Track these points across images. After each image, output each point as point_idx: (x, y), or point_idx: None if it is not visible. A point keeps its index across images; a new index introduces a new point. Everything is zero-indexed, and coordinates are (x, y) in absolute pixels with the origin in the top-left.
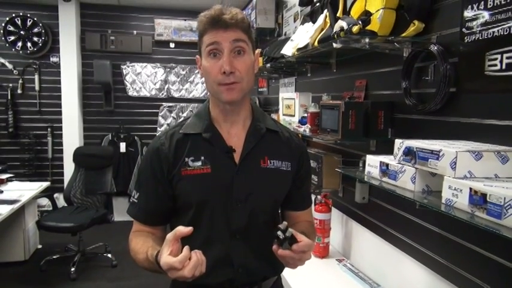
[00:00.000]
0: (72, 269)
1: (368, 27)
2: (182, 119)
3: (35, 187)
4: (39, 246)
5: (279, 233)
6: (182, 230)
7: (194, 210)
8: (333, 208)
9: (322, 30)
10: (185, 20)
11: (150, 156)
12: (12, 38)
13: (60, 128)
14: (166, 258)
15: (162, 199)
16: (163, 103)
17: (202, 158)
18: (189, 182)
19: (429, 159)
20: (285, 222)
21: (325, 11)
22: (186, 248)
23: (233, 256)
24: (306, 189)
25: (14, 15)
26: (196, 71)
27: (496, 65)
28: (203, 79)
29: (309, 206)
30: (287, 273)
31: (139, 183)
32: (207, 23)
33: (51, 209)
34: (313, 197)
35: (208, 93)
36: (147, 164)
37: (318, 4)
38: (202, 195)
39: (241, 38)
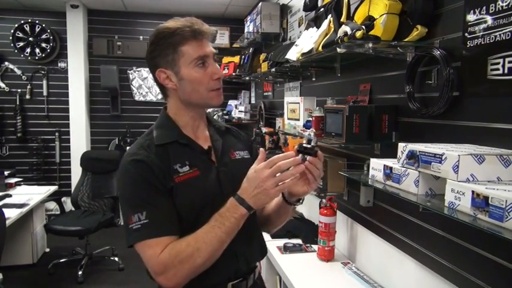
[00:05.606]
0: (80, 273)
1: (371, 32)
2: (145, 133)
3: (43, 191)
4: (47, 250)
5: (307, 144)
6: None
7: (196, 213)
8: (338, 211)
9: (326, 35)
10: None
11: (139, 172)
12: (21, 44)
13: (68, 133)
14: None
15: (172, 207)
16: None
17: (187, 162)
18: (185, 187)
19: (432, 163)
20: (307, 135)
21: (329, 16)
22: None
23: (235, 247)
24: None
25: (22, 21)
26: None
27: (498, 69)
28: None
29: None
30: (292, 276)
31: (140, 204)
32: (189, 35)
33: (58, 212)
34: (318, 200)
35: (168, 102)
36: (140, 180)
37: (322, 9)
38: (201, 196)
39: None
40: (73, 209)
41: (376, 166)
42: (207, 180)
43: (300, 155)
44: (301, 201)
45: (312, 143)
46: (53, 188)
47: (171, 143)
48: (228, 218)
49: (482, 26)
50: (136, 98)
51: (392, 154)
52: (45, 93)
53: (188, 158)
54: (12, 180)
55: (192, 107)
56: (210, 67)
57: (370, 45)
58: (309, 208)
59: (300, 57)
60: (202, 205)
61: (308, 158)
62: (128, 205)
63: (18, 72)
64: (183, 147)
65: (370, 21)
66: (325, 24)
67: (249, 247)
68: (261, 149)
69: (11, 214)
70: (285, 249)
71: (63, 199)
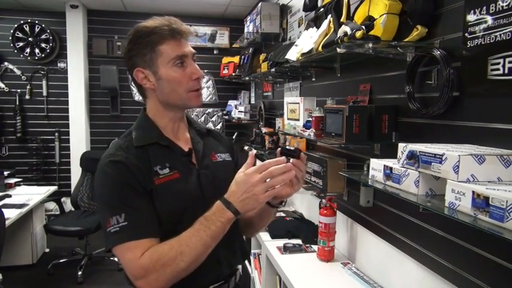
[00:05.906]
0: (79, 273)
1: (371, 32)
2: (124, 135)
3: (43, 191)
4: (47, 250)
5: (291, 147)
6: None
7: (176, 217)
8: (337, 212)
9: (326, 35)
10: (190, 25)
11: (117, 173)
12: (21, 44)
13: (68, 133)
14: (250, 169)
15: (152, 209)
16: None
17: (167, 164)
18: (165, 190)
19: (432, 163)
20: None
21: (329, 16)
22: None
23: (218, 252)
24: None
25: (22, 22)
26: None
27: (498, 69)
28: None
29: None
30: (291, 276)
31: (118, 206)
32: (167, 34)
33: (58, 213)
34: (318, 200)
35: (147, 103)
36: (118, 181)
37: (322, 9)
38: (181, 199)
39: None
40: (73, 209)
41: (376, 166)
42: (188, 183)
43: (283, 158)
44: (283, 203)
45: (295, 146)
46: (52, 188)
47: (151, 145)
48: (214, 222)
49: (482, 26)
50: (136, 98)
51: (393, 154)
52: (44, 94)
53: (168, 160)
54: (12, 181)
55: (170, 108)
56: (189, 67)
57: (370, 45)
58: (309, 208)
59: (300, 57)
60: (183, 208)
61: (291, 160)
62: (106, 208)
63: (18, 72)
64: (163, 149)
65: (370, 21)
66: (325, 24)
67: (231, 251)
68: (250, 153)
69: (11, 214)
70: (285, 249)
71: (62, 199)
